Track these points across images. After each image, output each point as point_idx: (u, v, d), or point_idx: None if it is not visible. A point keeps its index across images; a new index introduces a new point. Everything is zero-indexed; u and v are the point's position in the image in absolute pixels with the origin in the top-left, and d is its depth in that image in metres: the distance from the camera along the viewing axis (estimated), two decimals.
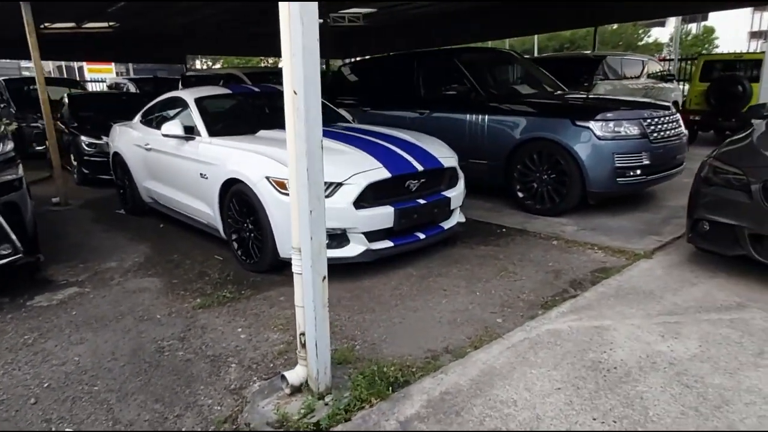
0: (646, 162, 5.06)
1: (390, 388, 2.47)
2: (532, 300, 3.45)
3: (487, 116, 5.75)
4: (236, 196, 4.08)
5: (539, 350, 2.79)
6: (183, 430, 2.27)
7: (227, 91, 5.71)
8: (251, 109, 5.52)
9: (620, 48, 29.35)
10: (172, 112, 5.30)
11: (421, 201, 4.01)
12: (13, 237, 3.60)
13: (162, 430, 2.27)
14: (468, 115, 5.90)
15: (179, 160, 4.79)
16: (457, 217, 4.41)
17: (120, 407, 2.44)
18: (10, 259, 3.60)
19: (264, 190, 3.76)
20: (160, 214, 5.54)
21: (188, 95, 5.14)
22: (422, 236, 4.07)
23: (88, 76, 28.97)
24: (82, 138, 7.88)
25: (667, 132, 5.32)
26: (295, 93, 2.12)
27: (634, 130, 5.05)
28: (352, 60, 9.68)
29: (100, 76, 25.32)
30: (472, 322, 3.17)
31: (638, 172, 5.05)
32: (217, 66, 28.33)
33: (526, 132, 5.41)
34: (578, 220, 5.12)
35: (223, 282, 3.92)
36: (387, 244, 3.88)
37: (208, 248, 4.68)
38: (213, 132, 4.64)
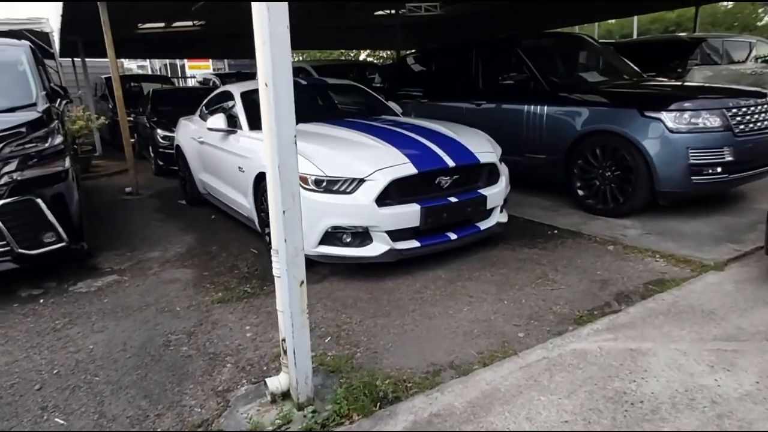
0: (729, 158, 4.39)
1: (378, 404, 2.28)
2: (565, 313, 3.08)
3: (546, 107, 5.29)
4: (266, 190, 4.04)
5: (556, 373, 2.46)
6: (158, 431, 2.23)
7: None
8: (296, 102, 5.47)
9: (735, 30, 26.36)
10: (223, 106, 5.40)
11: (453, 199, 3.73)
12: (58, 226, 3.80)
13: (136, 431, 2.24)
14: (526, 106, 5.47)
15: (223, 153, 4.86)
16: (497, 217, 4.08)
17: (110, 401, 2.45)
18: (54, 247, 3.81)
19: None
20: (214, 205, 5.69)
21: (236, 89, 5.20)
22: (454, 236, 3.80)
23: (188, 72, 30.96)
24: (158, 131, 8.32)
25: (759, 124, 4.58)
26: (266, 85, 1.98)
27: (714, 122, 4.39)
28: (416, 50, 9.41)
29: (198, 72, 26.95)
30: (489, 334, 2.88)
31: (718, 169, 4.39)
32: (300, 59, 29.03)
33: (588, 124, 4.90)
34: (645, 222, 4.57)
35: (250, 276, 3.91)
36: (413, 243, 3.66)
37: (247, 241, 4.72)
38: (254, 125, 4.65)
